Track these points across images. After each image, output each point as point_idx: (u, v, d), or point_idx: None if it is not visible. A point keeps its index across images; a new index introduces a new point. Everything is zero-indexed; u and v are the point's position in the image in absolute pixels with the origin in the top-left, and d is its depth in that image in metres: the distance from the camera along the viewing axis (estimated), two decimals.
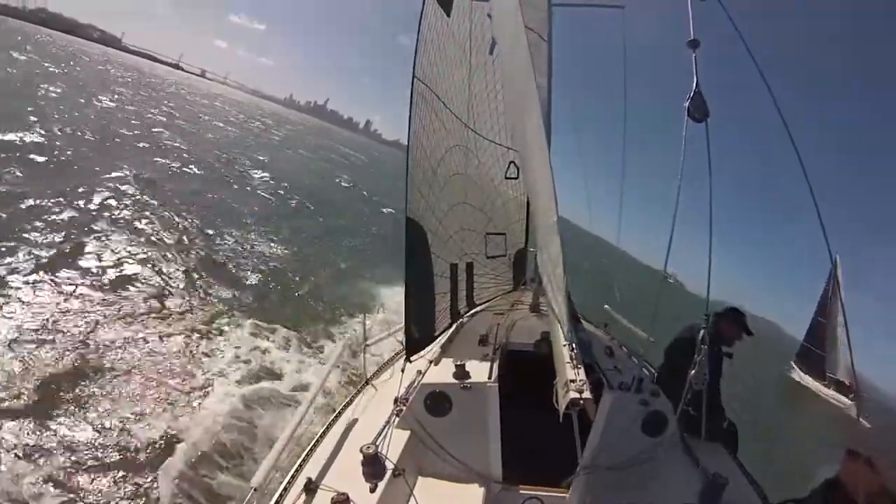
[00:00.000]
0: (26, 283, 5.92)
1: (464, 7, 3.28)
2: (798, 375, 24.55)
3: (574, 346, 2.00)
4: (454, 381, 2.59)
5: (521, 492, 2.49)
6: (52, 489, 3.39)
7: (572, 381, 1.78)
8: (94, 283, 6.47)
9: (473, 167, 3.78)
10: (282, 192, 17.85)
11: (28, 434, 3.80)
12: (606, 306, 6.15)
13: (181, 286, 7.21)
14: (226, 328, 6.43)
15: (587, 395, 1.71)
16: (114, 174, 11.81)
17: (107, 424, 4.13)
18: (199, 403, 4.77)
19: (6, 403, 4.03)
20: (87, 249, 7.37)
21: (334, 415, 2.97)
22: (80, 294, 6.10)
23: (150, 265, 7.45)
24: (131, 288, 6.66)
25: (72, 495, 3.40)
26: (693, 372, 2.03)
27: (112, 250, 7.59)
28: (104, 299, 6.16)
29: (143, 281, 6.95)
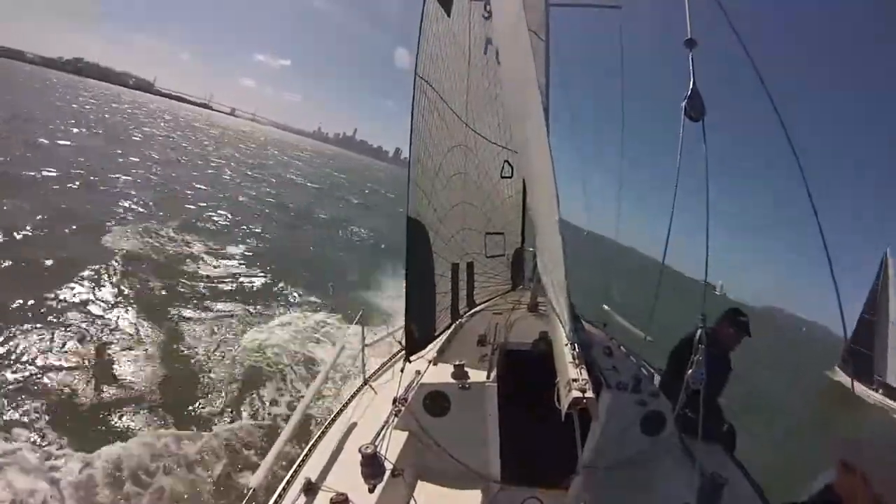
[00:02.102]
0: None
1: (463, 6, 3.29)
2: (843, 378, 22.41)
3: (576, 345, 2.00)
4: (453, 381, 2.59)
5: (520, 491, 2.49)
6: None
7: (574, 380, 1.78)
8: None
9: (473, 166, 3.78)
10: None
11: None
12: (605, 306, 6.16)
13: None
14: None
15: (590, 394, 1.71)
16: None
17: None
18: None
19: None
20: None
21: (333, 415, 2.97)
22: None
23: None
24: None
25: None
26: (690, 372, 2.03)
27: None
28: None
29: None
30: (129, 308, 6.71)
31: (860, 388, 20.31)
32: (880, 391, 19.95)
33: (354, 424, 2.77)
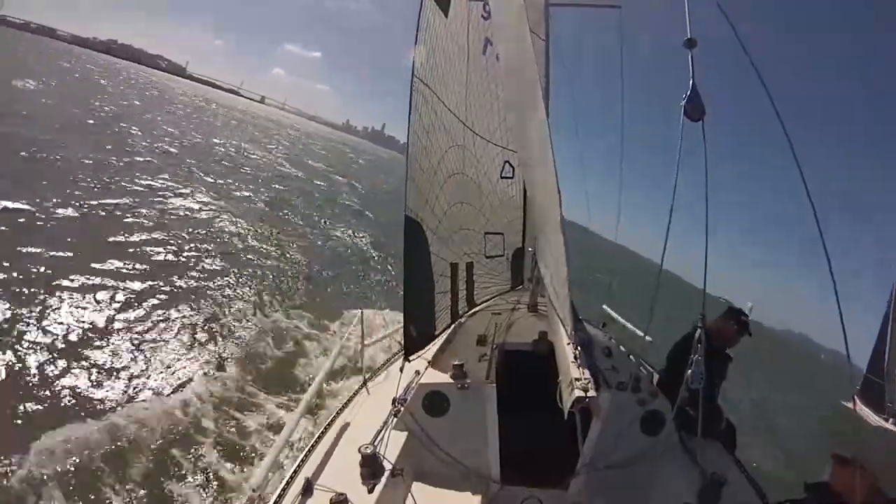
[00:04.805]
0: None
1: (461, 6, 3.29)
2: (859, 408, 22.45)
3: (578, 344, 2.01)
4: (452, 381, 2.59)
5: (520, 491, 2.49)
6: None
7: (577, 379, 1.78)
8: None
9: (472, 166, 3.78)
10: None
11: None
12: (605, 306, 6.16)
13: None
14: None
15: (592, 392, 1.71)
16: None
17: None
18: None
19: None
20: None
21: (332, 415, 2.96)
22: None
23: None
24: None
25: None
26: (690, 371, 2.04)
27: None
28: None
29: None
30: None
31: (870, 415, 20.03)
32: (891, 420, 19.54)
33: (354, 425, 2.77)
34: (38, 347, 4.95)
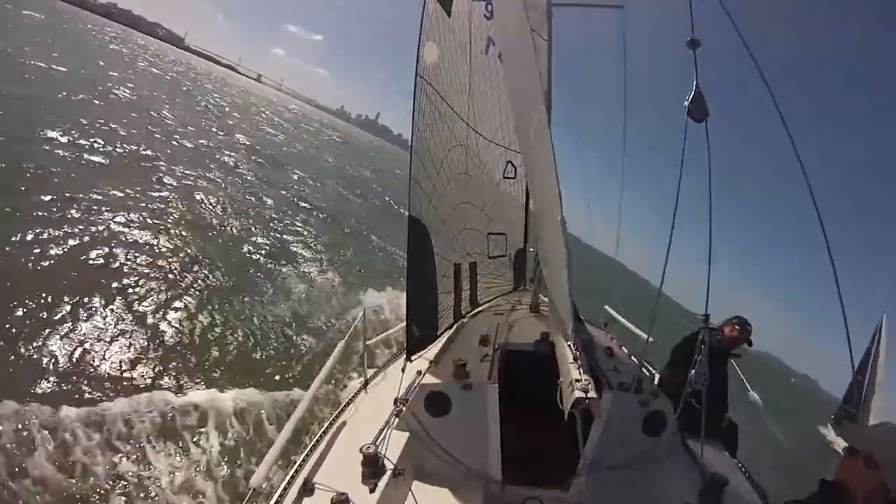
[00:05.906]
0: None
1: (463, 6, 3.29)
2: (832, 437, 22.73)
3: (578, 345, 2.01)
4: (454, 381, 2.59)
5: (521, 492, 2.49)
6: None
7: (577, 380, 1.78)
8: None
9: (475, 167, 3.78)
10: None
11: None
12: (606, 307, 6.15)
13: None
14: None
15: (592, 394, 1.71)
16: None
17: None
18: None
19: None
20: None
21: (334, 415, 2.96)
22: None
23: None
24: None
25: None
26: (693, 371, 2.04)
27: None
28: None
29: None
30: None
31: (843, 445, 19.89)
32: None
33: (355, 424, 2.77)
34: None
